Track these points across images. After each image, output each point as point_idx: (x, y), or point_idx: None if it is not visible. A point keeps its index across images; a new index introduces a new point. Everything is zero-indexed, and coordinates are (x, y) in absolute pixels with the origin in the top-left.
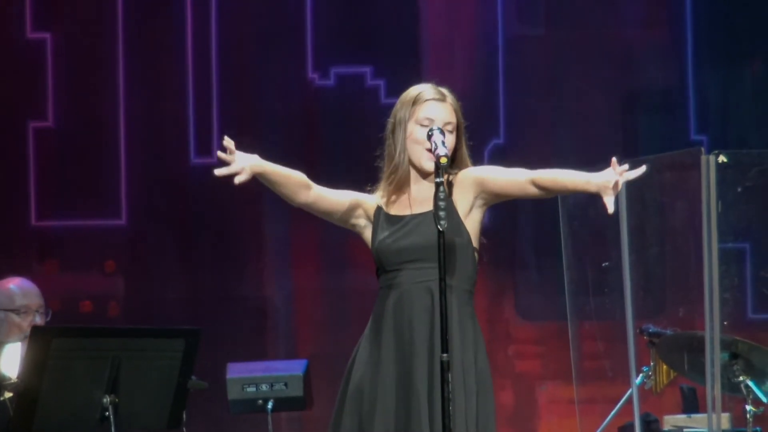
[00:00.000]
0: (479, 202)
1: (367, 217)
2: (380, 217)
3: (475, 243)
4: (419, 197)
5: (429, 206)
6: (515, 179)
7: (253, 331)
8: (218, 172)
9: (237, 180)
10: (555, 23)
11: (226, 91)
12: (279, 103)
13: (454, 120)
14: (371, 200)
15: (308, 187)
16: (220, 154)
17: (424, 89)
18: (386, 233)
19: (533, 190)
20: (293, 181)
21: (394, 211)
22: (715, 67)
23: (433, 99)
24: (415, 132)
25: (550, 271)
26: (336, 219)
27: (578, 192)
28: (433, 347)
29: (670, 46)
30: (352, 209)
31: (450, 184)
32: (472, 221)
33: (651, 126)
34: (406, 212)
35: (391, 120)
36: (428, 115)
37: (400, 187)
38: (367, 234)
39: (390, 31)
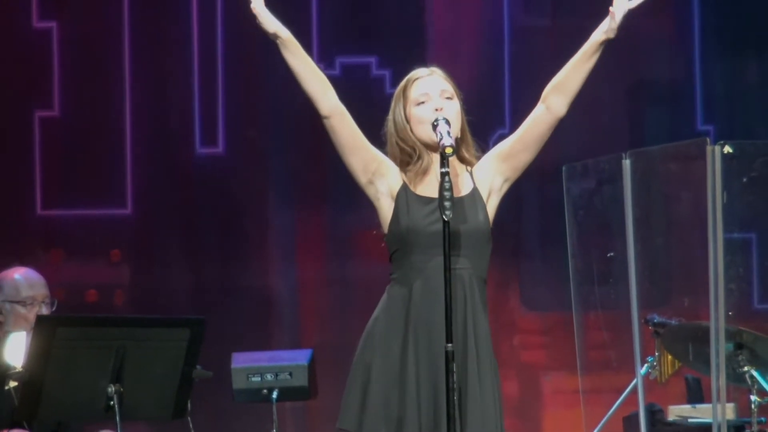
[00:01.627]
0: (503, 183)
1: (389, 187)
2: (407, 196)
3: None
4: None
5: (458, 190)
6: (532, 117)
7: (257, 320)
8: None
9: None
10: (561, 14)
11: (232, 81)
12: (284, 93)
13: (448, 86)
14: (394, 172)
15: (335, 95)
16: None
17: (415, 72)
18: (419, 214)
19: (557, 107)
20: (320, 75)
21: (422, 191)
22: (721, 58)
23: (420, 77)
24: (416, 113)
25: (555, 261)
26: (355, 161)
27: (596, 51)
28: (467, 342)
29: (677, 36)
30: (374, 161)
31: (470, 173)
32: (491, 207)
33: (658, 116)
34: (436, 194)
35: (389, 115)
36: (420, 91)
37: (423, 166)
38: (385, 204)
39: (395, 21)
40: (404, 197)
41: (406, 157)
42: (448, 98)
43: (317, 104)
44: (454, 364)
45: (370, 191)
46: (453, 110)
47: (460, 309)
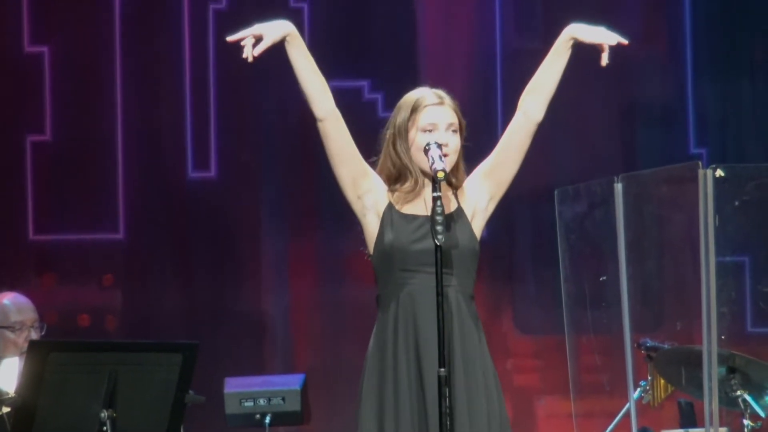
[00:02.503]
0: (489, 202)
1: (375, 204)
2: (392, 215)
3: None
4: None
5: (446, 209)
6: (510, 126)
7: (250, 344)
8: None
9: (259, 49)
10: (553, 37)
11: (224, 105)
12: (276, 116)
13: (455, 120)
14: (382, 190)
15: (332, 99)
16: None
17: (422, 95)
18: (402, 232)
19: (533, 111)
20: (320, 77)
21: (408, 209)
22: (714, 81)
23: (432, 104)
24: (419, 139)
25: (548, 284)
26: (345, 172)
27: (566, 49)
28: (453, 359)
29: (669, 59)
30: (364, 176)
31: (455, 193)
32: (477, 227)
33: (650, 139)
34: (422, 212)
35: (389, 130)
36: (430, 120)
37: (413, 189)
38: (371, 221)
39: (387, 45)
40: (389, 215)
41: (396, 174)
42: (453, 131)
43: (313, 105)
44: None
45: (357, 206)
46: (454, 144)
47: (447, 328)
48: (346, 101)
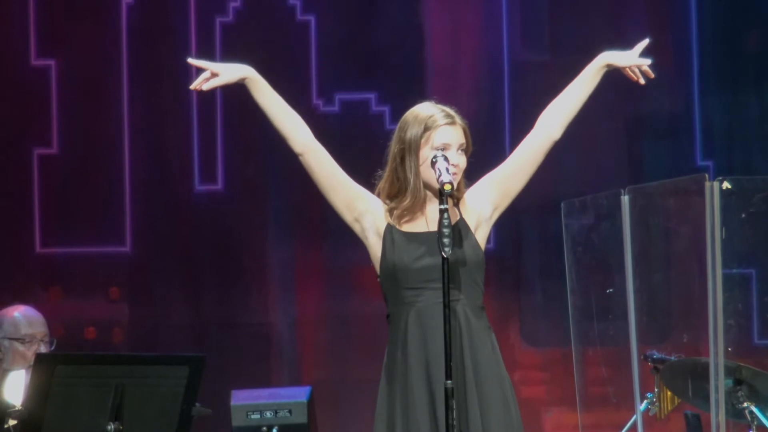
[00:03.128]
0: (493, 212)
1: (375, 226)
2: (393, 234)
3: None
4: (435, 216)
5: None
6: (527, 139)
7: (257, 357)
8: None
9: (210, 84)
10: (560, 49)
11: (230, 118)
12: None
13: (464, 141)
14: (379, 210)
15: (308, 132)
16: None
17: (433, 113)
18: (405, 251)
19: (552, 128)
20: (292, 112)
21: (408, 228)
22: (720, 94)
23: (446, 124)
24: (432, 158)
25: (555, 297)
26: (338, 199)
27: (597, 74)
28: (465, 374)
29: (676, 72)
30: (357, 199)
31: (457, 205)
32: (481, 237)
33: (656, 152)
34: (423, 230)
35: (398, 145)
36: (444, 140)
37: (415, 208)
38: (374, 243)
39: (394, 57)
40: (390, 236)
41: (398, 190)
42: (462, 151)
43: (290, 142)
44: (454, 401)
45: (357, 229)
46: (463, 165)
47: (456, 343)
48: (353, 114)
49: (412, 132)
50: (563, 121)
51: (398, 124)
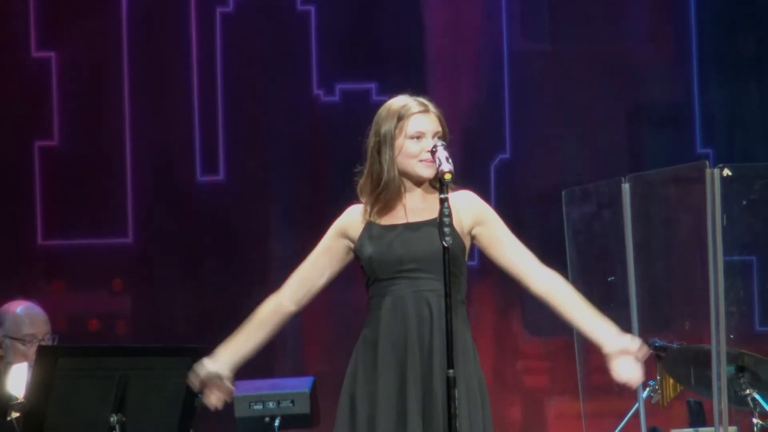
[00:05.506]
0: (472, 233)
1: (355, 234)
2: (371, 230)
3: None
4: (415, 206)
5: (426, 215)
6: (511, 259)
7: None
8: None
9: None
10: (560, 38)
11: (232, 109)
12: (284, 120)
13: (440, 129)
14: (356, 223)
15: (282, 304)
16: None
17: (406, 102)
18: (380, 242)
19: (533, 284)
20: (269, 322)
21: (387, 221)
22: (720, 81)
23: (419, 112)
24: (407, 146)
25: None
26: (344, 262)
27: (588, 337)
28: (432, 361)
29: (676, 60)
30: (339, 251)
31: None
32: (464, 237)
33: (657, 140)
34: (401, 221)
35: (374, 138)
36: (418, 128)
37: (394, 199)
38: (357, 247)
39: (395, 47)
40: (368, 231)
41: (376, 184)
42: (438, 139)
43: (292, 314)
44: (420, 388)
45: (353, 258)
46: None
47: (426, 332)
48: (353, 103)
49: (387, 125)
50: (541, 298)
51: (374, 119)
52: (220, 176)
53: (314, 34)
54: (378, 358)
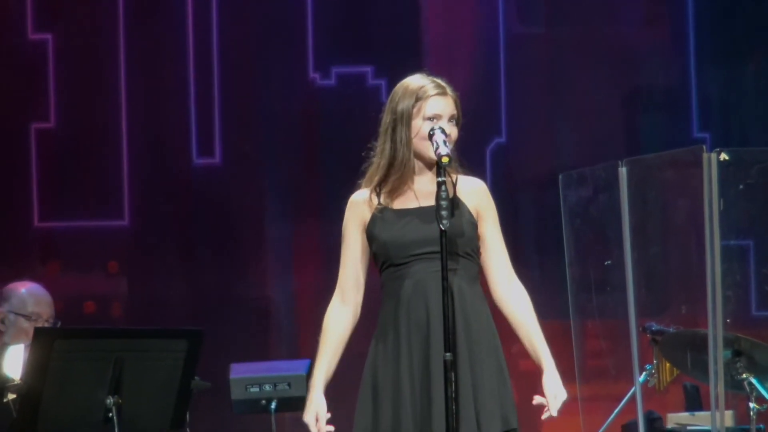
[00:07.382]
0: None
1: (364, 224)
2: (383, 213)
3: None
4: (425, 189)
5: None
6: (490, 270)
7: (255, 331)
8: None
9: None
10: (555, 21)
11: (228, 92)
12: (280, 103)
13: (456, 112)
14: (365, 210)
15: (353, 313)
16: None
17: (424, 83)
18: (394, 226)
19: (494, 296)
20: (347, 335)
21: (399, 205)
22: (717, 65)
23: (437, 94)
24: (424, 128)
25: (552, 269)
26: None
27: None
28: (457, 338)
29: (672, 43)
30: (366, 243)
31: (454, 183)
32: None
33: (653, 124)
34: (413, 205)
35: (389, 115)
36: (435, 111)
37: (405, 181)
38: (369, 234)
39: (391, 31)
40: (380, 217)
41: (389, 164)
42: (454, 122)
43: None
44: (453, 374)
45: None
46: (455, 135)
47: (449, 313)
48: (349, 87)
49: (404, 103)
50: (503, 312)
51: (389, 96)
52: (216, 159)
53: (310, 18)
54: (400, 339)
